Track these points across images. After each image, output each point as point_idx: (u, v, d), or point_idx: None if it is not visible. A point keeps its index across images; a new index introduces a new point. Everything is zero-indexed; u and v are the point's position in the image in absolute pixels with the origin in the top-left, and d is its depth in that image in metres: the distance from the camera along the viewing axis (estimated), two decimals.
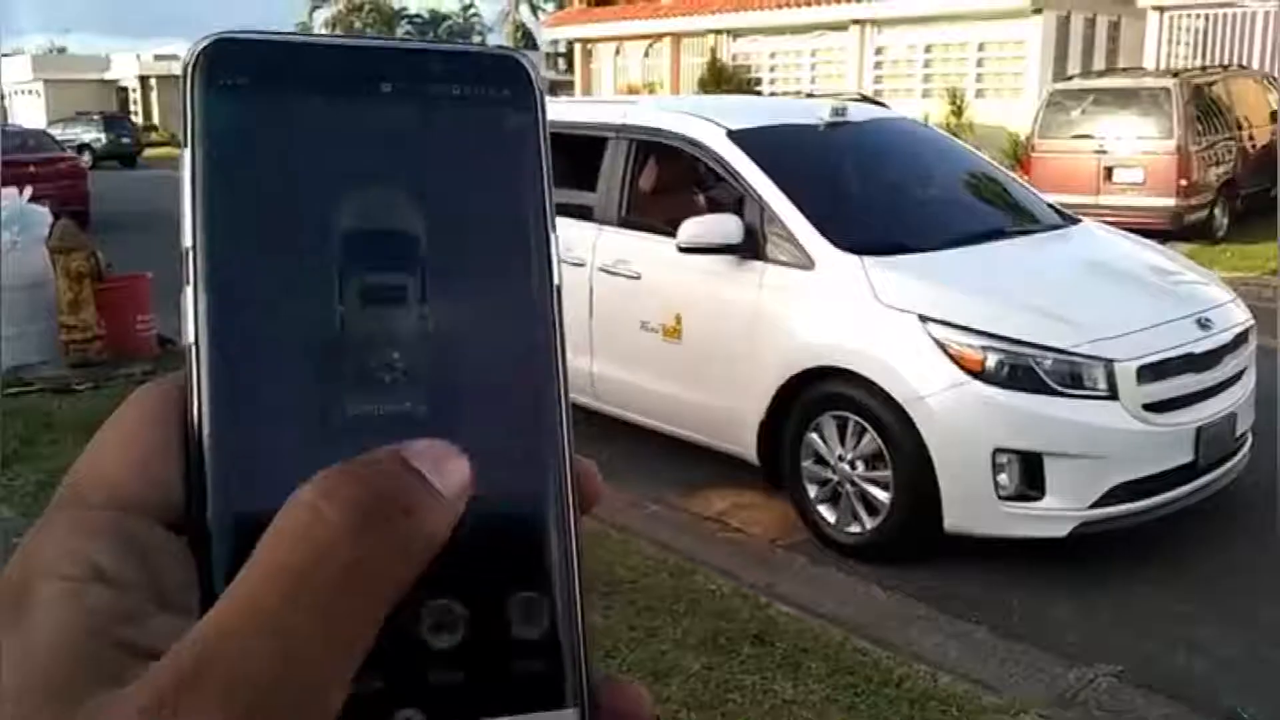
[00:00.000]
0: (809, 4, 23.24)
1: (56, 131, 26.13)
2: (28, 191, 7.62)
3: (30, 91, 51.49)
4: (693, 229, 4.99)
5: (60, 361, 7.25)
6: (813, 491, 4.81)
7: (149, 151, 35.57)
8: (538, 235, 0.39)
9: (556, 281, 0.39)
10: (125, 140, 33.98)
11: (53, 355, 7.30)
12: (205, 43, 0.37)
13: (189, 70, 0.36)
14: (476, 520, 0.35)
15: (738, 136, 5.25)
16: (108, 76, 51.97)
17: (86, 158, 27.12)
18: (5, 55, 57.73)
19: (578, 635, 0.37)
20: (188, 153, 0.36)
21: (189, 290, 0.35)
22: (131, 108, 49.08)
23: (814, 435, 4.76)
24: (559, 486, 0.38)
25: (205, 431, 0.35)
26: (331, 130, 0.37)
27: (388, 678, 0.34)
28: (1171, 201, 12.50)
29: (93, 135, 33.40)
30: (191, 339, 0.35)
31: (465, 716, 0.35)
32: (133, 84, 50.94)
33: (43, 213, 7.55)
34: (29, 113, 46.52)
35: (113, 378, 7.01)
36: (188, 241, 0.35)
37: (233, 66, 0.37)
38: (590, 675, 0.37)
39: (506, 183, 0.39)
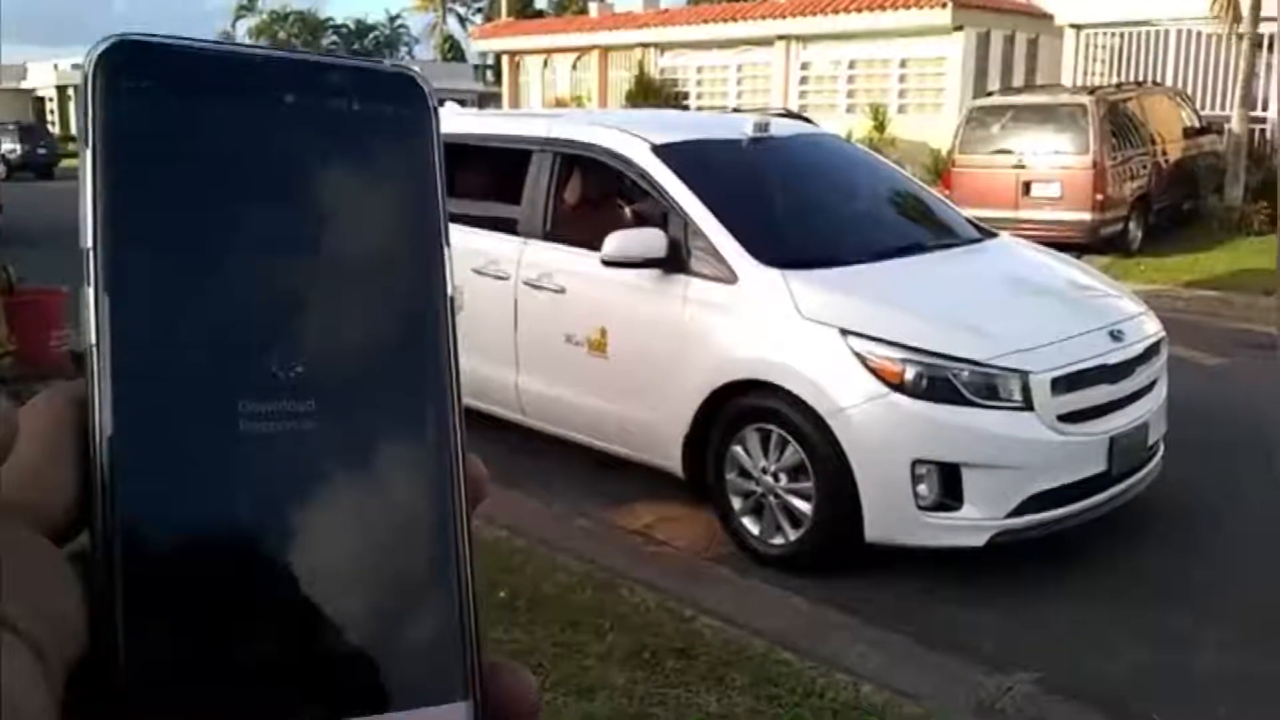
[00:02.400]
0: (735, 19, 23.45)
1: None
2: None
3: None
4: (617, 243, 4.99)
5: None
6: (737, 504, 4.84)
7: (66, 163, 34.77)
8: (431, 246, 0.40)
9: (450, 292, 0.40)
10: (42, 151, 33.02)
11: None
12: (108, 43, 0.37)
13: (91, 69, 0.36)
14: (366, 517, 0.37)
15: (662, 151, 5.28)
16: (24, 85, 50.77)
17: (1, 169, 26.49)
18: None
19: (470, 630, 0.38)
20: (88, 152, 0.36)
21: (89, 291, 0.35)
22: (49, 118, 48.02)
23: (738, 448, 4.79)
24: (449, 483, 0.39)
25: (105, 435, 0.35)
26: (232, 137, 0.37)
27: (289, 674, 0.35)
28: (1088, 215, 12.79)
29: (8, 146, 32.48)
30: (92, 340, 0.35)
31: (365, 711, 0.36)
32: (50, 93, 49.84)
33: None
34: None
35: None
36: (87, 242, 0.35)
37: (137, 69, 0.37)
38: (483, 668, 0.38)
39: (402, 194, 0.40)
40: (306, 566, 0.36)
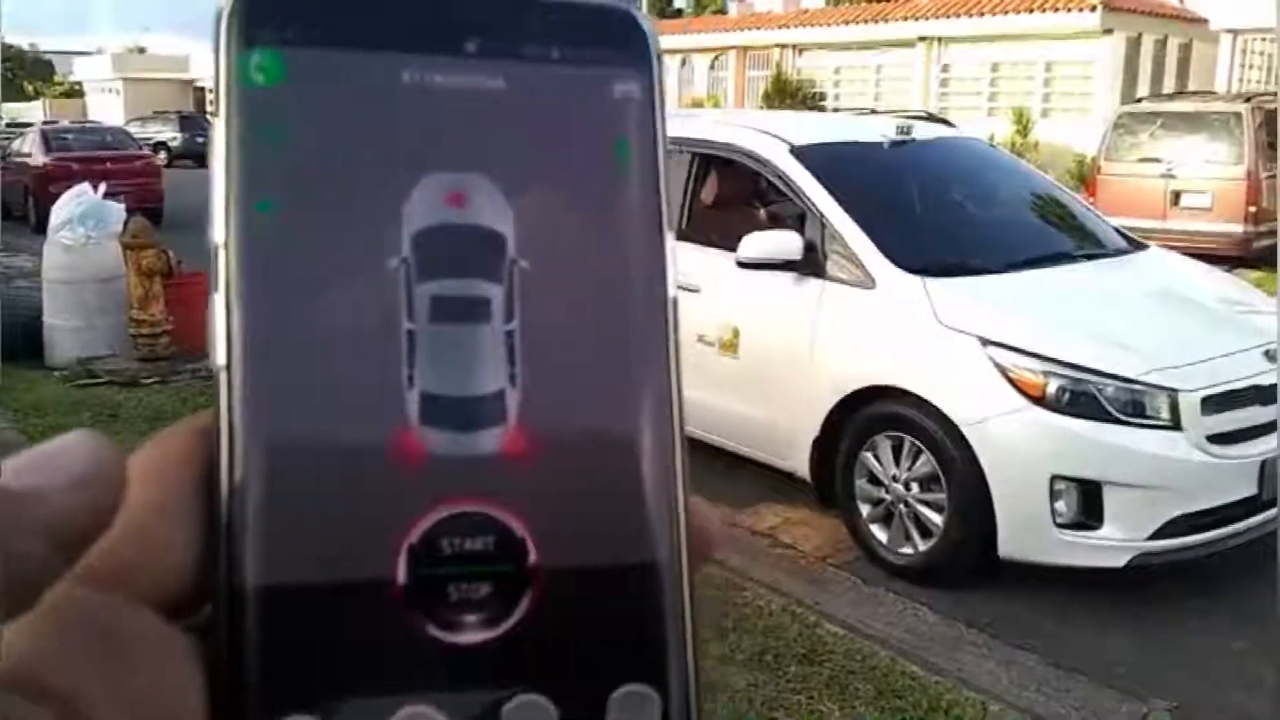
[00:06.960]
0: (875, 20, 23.16)
1: (134, 129, 26.78)
2: (102, 187, 7.80)
3: (110, 90, 52.77)
4: (753, 244, 4.98)
5: (128, 355, 7.41)
6: (865, 511, 4.78)
7: None
8: (650, 237, 0.33)
9: (671, 294, 0.33)
10: (201, 140, 34.38)
11: (121, 349, 7.46)
12: None
13: (223, 19, 0.30)
14: (567, 591, 0.30)
15: (800, 152, 5.24)
16: (186, 76, 52.99)
17: (163, 156, 27.76)
18: (87, 54, 59.25)
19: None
20: (220, 125, 0.30)
21: (218, 299, 0.29)
22: (208, 107, 49.98)
23: (868, 454, 4.73)
24: (673, 553, 0.31)
25: (236, 481, 0.28)
26: (403, 100, 0.30)
27: None
28: (1240, 228, 12.31)
29: (169, 134, 34.04)
30: (222, 361, 0.29)
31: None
32: (210, 84, 51.88)
33: (117, 208, 7.71)
34: (108, 110, 47.56)
35: (179, 373, 7.15)
36: (218, 237, 0.29)
37: (280, 16, 0.30)
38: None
39: (613, 172, 0.32)
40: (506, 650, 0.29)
